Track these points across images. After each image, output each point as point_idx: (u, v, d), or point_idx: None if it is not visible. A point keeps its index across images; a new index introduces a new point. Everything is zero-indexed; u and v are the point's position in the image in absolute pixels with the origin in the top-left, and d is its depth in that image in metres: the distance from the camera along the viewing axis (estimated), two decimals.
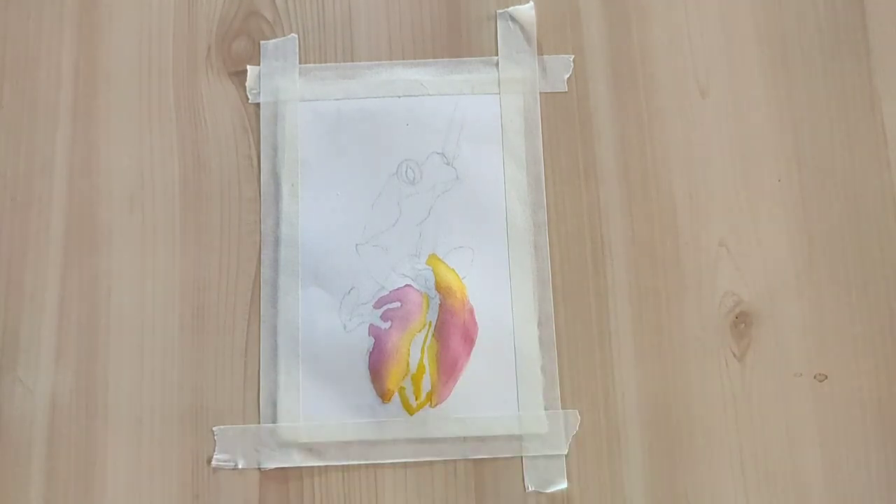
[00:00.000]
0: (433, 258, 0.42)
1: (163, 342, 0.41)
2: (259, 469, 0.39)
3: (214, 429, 0.40)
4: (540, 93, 0.44)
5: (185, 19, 0.45)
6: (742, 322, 0.41)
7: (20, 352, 0.40)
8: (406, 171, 0.43)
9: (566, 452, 0.39)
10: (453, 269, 0.41)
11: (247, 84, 0.44)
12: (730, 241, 0.42)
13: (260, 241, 0.42)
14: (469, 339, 0.40)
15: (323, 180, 0.42)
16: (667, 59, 0.44)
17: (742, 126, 0.43)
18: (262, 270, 0.41)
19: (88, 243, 0.42)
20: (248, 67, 0.44)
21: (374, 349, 0.40)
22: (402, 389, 0.40)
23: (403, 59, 0.44)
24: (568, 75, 0.44)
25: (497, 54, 0.44)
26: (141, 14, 0.45)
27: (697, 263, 0.42)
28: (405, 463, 0.40)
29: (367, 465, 0.39)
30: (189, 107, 0.43)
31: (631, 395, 0.40)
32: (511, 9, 0.44)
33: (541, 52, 0.44)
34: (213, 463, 0.39)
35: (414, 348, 0.40)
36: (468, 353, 0.40)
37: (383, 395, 0.40)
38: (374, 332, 0.41)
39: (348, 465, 0.39)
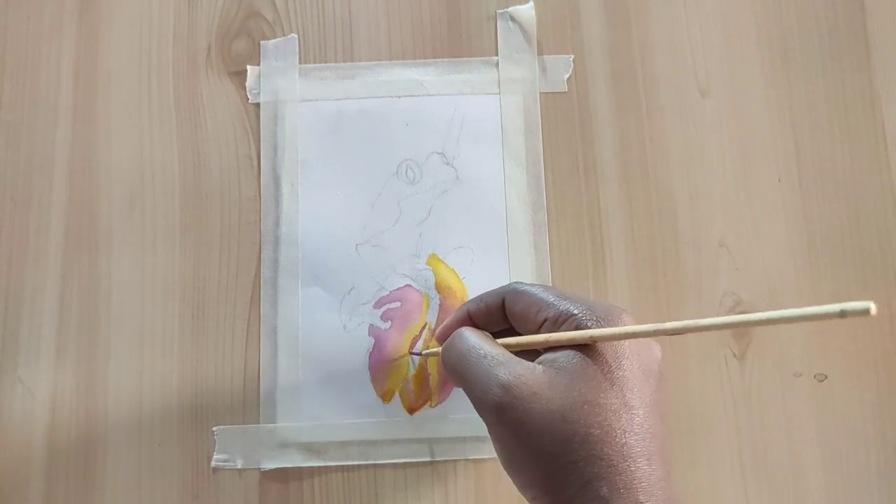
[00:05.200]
0: (433, 258, 0.42)
1: (163, 342, 0.41)
2: (259, 469, 0.39)
3: (214, 429, 0.40)
4: (540, 93, 0.44)
5: (185, 19, 0.45)
6: None
7: (20, 352, 0.40)
8: (406, 171, 0.43)
9: None
10: (453, 269, 0.41)
11: (247, 84, 0.44)
12: (730, 241, 0.42)
13: (260, 240, 0.42)
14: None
15: (323, 180, 0.42)
16: (667, 59, 0.44)
17: (742, 126, 0.43)
18: (262, 270, 0.41)
19: (88, 243, 0.42)
20: (248, 67, 0.44)
21: (374, 349, 0.40)
22: (402, 389, 0.40)
23: (403, 59, 0.44)
24: (568, 75, 0.44)
25: (497, 54, 0.44)
26: (141, 14, 0.45)
27: (697, 263, 0.42)
28: (405, 463, 0.40)
29: (367, 465, 0.39)
30: (189, 107, 0.43)
31: None
32: (511, 9, 0.44)
33: (541, 52, 0.44)
34: (213, 463, 0.39)
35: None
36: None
37: (383, 395, 0.40)
38: (374, 332, 0.41)
39: (348, 465, 0.39)
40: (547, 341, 0.29)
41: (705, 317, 0.40)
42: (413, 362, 0.40)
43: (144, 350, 0.41)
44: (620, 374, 0.28)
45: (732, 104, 0.43)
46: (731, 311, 0.41)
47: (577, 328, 0.29)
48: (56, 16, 0.44)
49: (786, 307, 0.41)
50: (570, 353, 0.28)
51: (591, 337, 0.28)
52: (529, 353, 0.30)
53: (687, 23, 0.44)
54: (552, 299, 0.30)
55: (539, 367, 0.28)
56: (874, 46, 0.44)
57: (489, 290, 0.34)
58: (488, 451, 0.39)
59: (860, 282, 0.41)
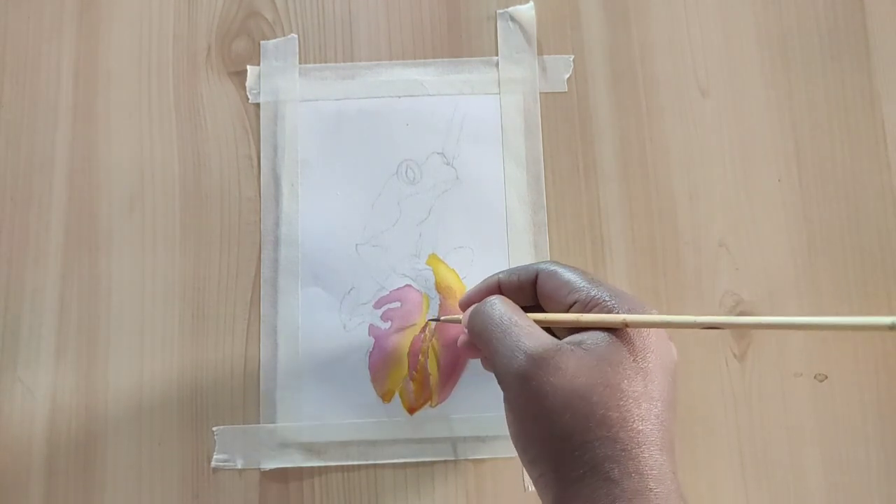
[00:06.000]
0: (433, 258, 0.42)
1: (163, 342, 0.41)
2: (259, 469, 0.39)
3: (214, 429, 0.40)
4: (540, 93, 0.44)
5: (185, 19, 0.45)
6: None
7: (20, 352, 0.40)
8: (406, 171, 0.43)
9: None
10: (453, 269, 0.41)
11: (247, 84, 0.44)
12: (730, 241, 0.42)
13: (260, 241, 0.42)
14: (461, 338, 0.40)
15: (323, 180, 0.42)
16: (667, 59, 0.44)
17: (742, 126, 0.43)
18: (262, 270, 0.41)
19: (88, 243, 0.42)
20: (248, 67, 0.44)
21: (374, 349, 0.40)
22: (402, 389, 0.40)
23: (403, 59, 0.44)
24: (568, 75, 0.44)
25: (497, 54, 0.44)
26: (141, 14, 0.45)
27: (697, 263, 0.42)
28: (405, 463, 0.40)
29: (367, 465, 0.39)
30: (189, 107, 0.43)
31: None
32: (511, 9, 0.44)
33: (541, 52, 0.44)
34: (213, 463, 0.39)
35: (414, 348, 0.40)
36: (461, 352, 0.40)
37: (383, 396, 0.40)
38: (374, 332, 0.41)
39: (348, 465, 0.39)
40: (578, 321, 0.30)
41: (707, 314, 0.41)
42: (413, 363, 0.40)
43: (144, 350, 0.41)
44: (645, 364, 0.28)
45: (732, 104, 0.43)
46: (731, 312, 0.41)
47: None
48: (56, 16, 0.44)
49: (786, 307, 0.41)
50: (597, 336, 0.29)
51: (623, 322, 0.28)
52: (552, 335, 0.31)
53: (687, 23, 0.44)
54: (584, 283, 0.30)
55: (566, 345, 0.29)
56: (874, 46, 0.44)
57: (521, 264, 0.34)
58: (488, 451, 0.39)
59: (860, 282, 0.41)
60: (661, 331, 0.30)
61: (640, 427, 0.27)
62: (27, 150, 0.43)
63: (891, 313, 0.41)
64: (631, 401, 0.27)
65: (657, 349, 0.29)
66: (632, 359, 0.28)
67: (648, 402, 0.27)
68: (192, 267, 0.42)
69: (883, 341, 0.41)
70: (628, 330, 0.29)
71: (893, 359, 0.40)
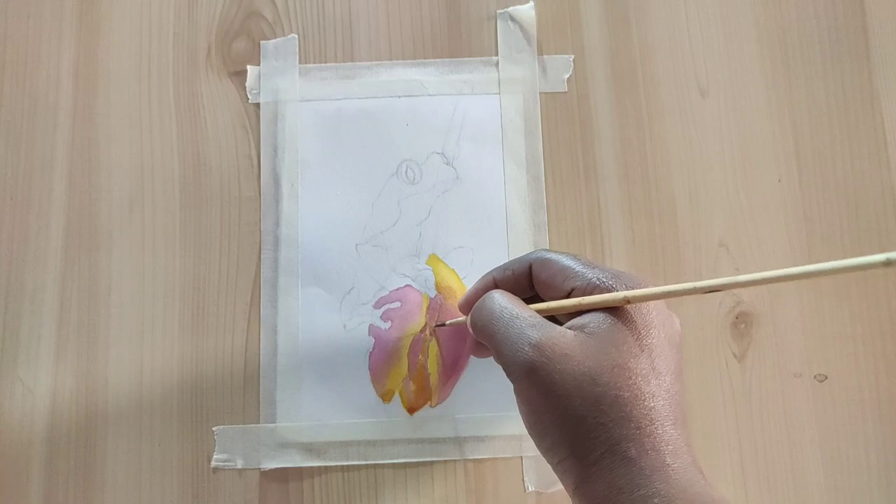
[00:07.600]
0: (433, 258, 0.42)
1: (163, 342, 0.41)
2: (259, 469, 0.39)
3: (214, 429, 0.40)
4: (540, 93, 0.44)
5: (185, 19, 0.45)
6: (742, 322, 0.41)
7: (20, 351, 0.40)
8: (406, 171, 0.43)
9: None
10: (453, 270, 0.41)
11: (247, 84, 0.44)
12: (730, 241, 0.42)
13: (260, 241, 0.42)
14: (469, 340, 0.40)
15: (323, 180, 0.42)
16: (667, 59, 0.44)
17: (742, 126, 0.43)
18: (262, 270, 0.41)
19: (88, 243, 0.42)
20: (248, 67, 0.44)
21: (374, 349, 0.40)
22: (402, 389, 0.40)
23: (403, 59, 0.44)
24: (568, 75, 0.44)
25: (497, 54, 0.44)
26: (141, 14, 0.45)
27: (697, 263, 0.42)
28: (405, 463, 0.40)
29: (367, 465, 0.39)
30: (189, 107, 0.43)
31: None
32: (511, 9, 0.44)
33: (541, 52, 0.44)
34: (213, 463, 0.39)
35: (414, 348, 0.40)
36: (468, 354, 0.40)
37: (383, 396, 0.40)
38: (374, 332, 0.41)
39: (348, 465, 0.39)
40: (579, 305, 0.30)
41: (706, 314, 0.41)
42: (413, 363, 0.40)
43: (144, 350, 0.41)
44: (649, 341, 0.28)
45: (732, 104, 0.43)
46: (731, 311, 0.41)
47: None
48: (56, 16, 0.44)
49: (786, 307, 0.41)
50: (599, 318, 0.29)
51: (624, 298, 0.28)
52: (554, 322, 0.30)
53: (687, 23, 0.44)
54: (580, 268, 0.30)
55: (569, 331, 0.29)
56: (874, 46, 0.44)
57: (513, 258, 0.34)
58: (488, 451, 0.39)
59: (860, 282, 0.41)
60: (663, 304, 0.30)
61: (652, 404, 0.27)
62: (27, 150, 0.43)
63: (891, 313, 0.41)
64: (640, 378, 0.27)
65: (660, 324, 0.29)
66: (635, 337, 0.28)
67: (657, 378, 0.28)
68: (192, 267, 0.42)
69: (883, 341, 0.41)
70: (629, 308, 0.29)
71: (893, 359, 0.41)
